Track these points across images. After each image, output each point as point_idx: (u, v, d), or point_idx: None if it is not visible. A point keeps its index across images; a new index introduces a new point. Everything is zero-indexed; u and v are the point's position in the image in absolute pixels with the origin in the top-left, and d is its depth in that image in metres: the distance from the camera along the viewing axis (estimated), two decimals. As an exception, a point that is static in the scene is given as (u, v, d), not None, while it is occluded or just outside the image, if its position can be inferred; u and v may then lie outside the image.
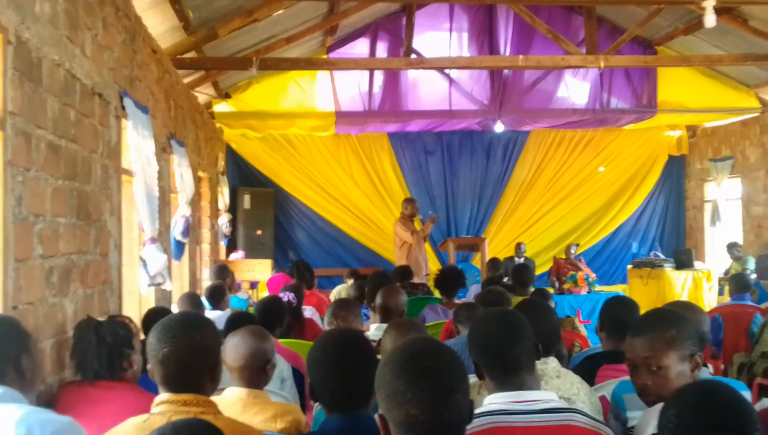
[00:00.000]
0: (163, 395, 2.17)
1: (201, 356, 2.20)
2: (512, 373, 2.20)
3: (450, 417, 1.53)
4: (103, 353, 2.88)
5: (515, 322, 2.28)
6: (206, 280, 7.68)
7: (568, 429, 2.07)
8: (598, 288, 9.48)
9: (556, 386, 2.67)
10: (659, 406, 2.27)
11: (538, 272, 10.93)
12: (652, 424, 2.25)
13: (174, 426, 1.50)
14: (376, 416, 1.58)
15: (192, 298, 5.22)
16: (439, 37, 10.37)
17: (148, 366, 2.23)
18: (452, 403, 1.53)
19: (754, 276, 8.01)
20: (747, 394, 2.93)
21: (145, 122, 4.73)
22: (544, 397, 2.16)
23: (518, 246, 10.66)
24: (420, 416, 1.49)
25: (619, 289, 10.37)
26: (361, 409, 1.96)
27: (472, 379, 3.00)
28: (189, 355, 2.16)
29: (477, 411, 2.16)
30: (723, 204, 11.12)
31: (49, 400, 2.96)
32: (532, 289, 5.78)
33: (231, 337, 2.81)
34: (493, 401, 2.15)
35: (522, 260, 10.49)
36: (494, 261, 9.16)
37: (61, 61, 3.37)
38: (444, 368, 1.56)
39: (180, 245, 6.08)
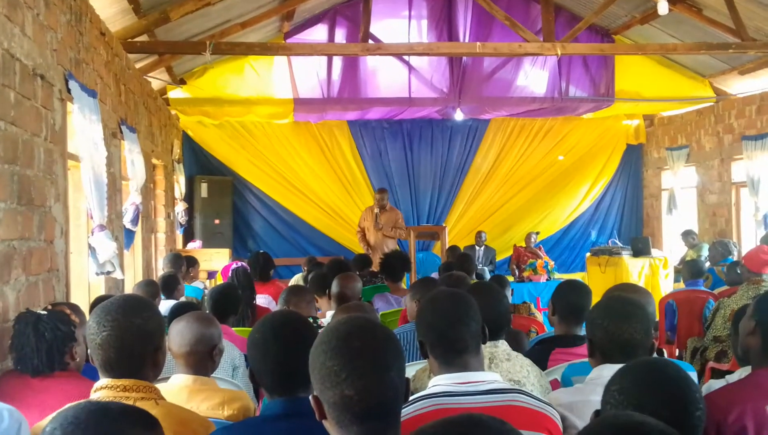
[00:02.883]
0: (103, 380, 2.12)
1: (142, 340, 2.14)
2: (456, 354, 2.19)
3: (385, 396, 1.50)
4: (42, 350, 2.78)
5: (463, 303, 2.27)
6: (161, 270, 7.55)
7: (512, 409, 2.06)
8: (557, 276, 9.58)
9: (506, 369, 2.67)
10: (595, 382, 2.30)
11: (498, 259, 11.03)
12: (593, 400, 2.27)
13: (87, 409, 1.43)
14: (310, 397, 1.54)
15: (149, 286, 5.12)
16: (398, 24, 10.33)
17: (89, 350, 2.16)
18: (387, 381, 1.50)
19: (707, 264, 8.13)
20: (693, 375, 2.96)
21: (92, 106, 4.60)
22: (488, 378, 2.15)
23: (479, 234, 10.69)
24: (355, 396, 1.47)
25: (578, 276, 10.47)
26: (301, 392, 1.92)
27: (422, 363, 3.00)
28: (129, 339, 2.11)
29: (421, 393, 2.14)
30: (679, 192, 11.30)
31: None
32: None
33: (175, 323, 2.75)
34: (437, 383, 2.13)
35: (482, 248, 10.54)
36: (453, 248, 9.17)
37: (-2, 40, 3.25)
38: (378, 347, 1.53)
39: (130, 233, 5.96)
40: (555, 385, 2.94)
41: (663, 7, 6.36)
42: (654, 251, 10.03)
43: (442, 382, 2.13)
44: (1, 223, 3.25)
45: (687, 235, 9.88)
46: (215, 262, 8.61)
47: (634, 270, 9.71)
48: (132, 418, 1.49)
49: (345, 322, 1.59)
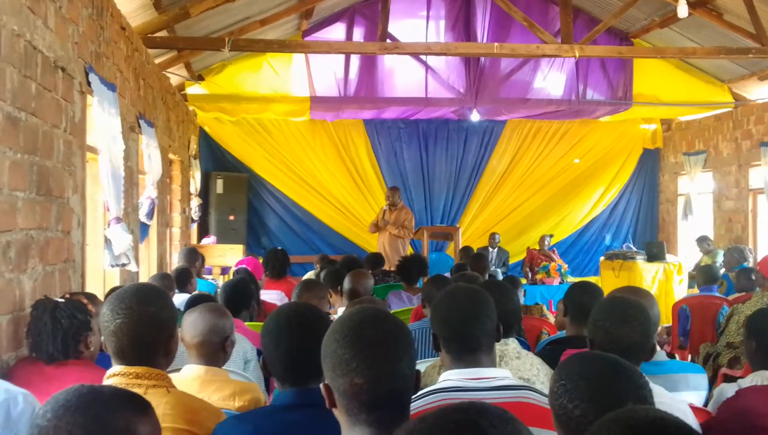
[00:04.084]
0: (115, 367, 2.15)
1: (155, 329, 2.17)
2: (470, 351, 2.19)
3: (394, 385, 1.52)
4: (58, 337, 2.82)
5: (480, 301, 2.26)
6: (175, 263, 7.60)
7: (521, 406, 2.07)
8: (570, 279, 9.54)
9: (516, 367, 2.68)
10: None
11: (511, 262, 11.02)
12: None
13: (79, 392, 1.44)
14: (321, 385, 1.55)
15: (164, 280, 5.16)
16: (416, 24, 10.33)
17: (102, 338, 2.19)
18: (397, 371, 1.52)
19: (722, 270, 8.07)
20: (703, 377, 2.96)
21: (111, 99, 4.64)
22: (498, 374, 2.16)
23: (492, 236, 10.68)
24: (364, 385, 1.48)
25: (591, 280, 10.40)
26: (313, 382, 1.94)
27: (433, 360, 3.01)
28: (142, 327, 2.13)
29: (432, 387, 2.15)
30: (695, 198, 11.22)
31: (4, 376, 2.90)
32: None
33: (189, 314, 2.78)
34: (447, 377, 2.14)
35: (496, 250, 10.53)
36: (466, 249, 9.16)
37: (21, 32, 3.29)
38: (389, 337, 1.54)
39: (144, 227, 6.01)
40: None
41: (683, 10, 6.33)
42: (669, 256, 9.97)
43: (452, 377, 2.14)
44: (19, 213, 3.29)
45: (702, 241, 9.81)
46: (229, 257, 8.64)
47: (648, 275, 9.65)
48: (124, 401, 1.49)
49: (358, 311, 1.61)
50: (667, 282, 9.64)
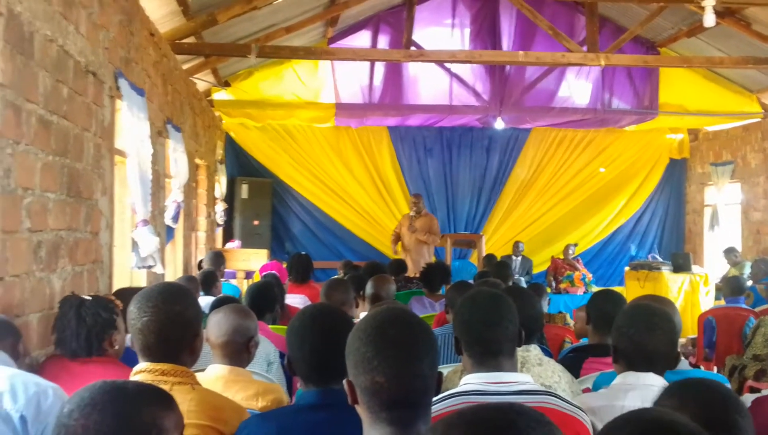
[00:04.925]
0: (142, 364, 2.19)
1: (180, 327, 2.20)
2: (491, 355, 2.19)
3: (415, 385, 1.53)
4: (82, 334, 2.85)
5: (503, 306, 2.26)
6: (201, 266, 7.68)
7: (543, 411, 2.05)
8: (594, 289, 9.46)
9: (538, 374, 2.67)
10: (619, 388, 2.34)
11: (535, 271, 10.97)
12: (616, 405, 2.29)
13: (103, 389, 1.43)
14: (344, 382, 1.58)
15: (190, 282, 5.22)
16: (440, 31, 10.35)
17: (129, 335, 2.23)
18: (418, 371, 1.53)
19: (750, 282, 7.98)
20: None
21: (140, 104, 4.73)
22: (520, 379, 2.16)
23: (516, 244, 10.65)
24: (385, 383, 1.50)
25: (615, 289, 10.32)
26: (336, 383, 1.96)
27: (454, 365, 3.02)
28: (168, 325, 2.17)
29: (453, 390, 2.16)
30: (722, 209, 11.10)
31: (35, 373, 2.95)
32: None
33: (214, 314, 2.82)
34: (468, 381, 2.15)
35: (520, 259, 10.49)
36: (490, 257, 9.15)
37: (54, 37, 3.37)
38: (412, 337, 1.56)
39: (169, 230, 6.10)
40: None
41: (709, 19, 6.28)
42: (695, 268, 9.87)
43: (473, 380, 2.14)
44: (50, 213, 3.36)
45: (730, 252, 9.70)
46: (253, 262, 8.71)
47: (674, 286, 9.55)
48: (148, 396, 1.49)
49: (383, 311, 1.63)
50: (693, 293, 9.53)
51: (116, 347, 2.98)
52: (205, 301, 5.06)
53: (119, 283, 4.85)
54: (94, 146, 4.04)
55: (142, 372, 2.15)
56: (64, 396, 2.30)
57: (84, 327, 2.86)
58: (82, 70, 3.81)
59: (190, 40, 6.96)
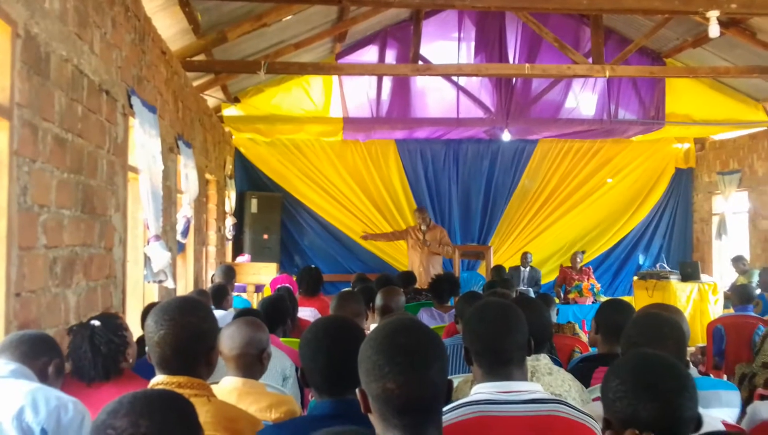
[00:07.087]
0: (159, 377, 2.22)
1: (196, 339, 2.24)
2: (502, 364, 2.21)
3: (424, 392, 1.58)
4: (99, 363, 2.85)
5: (512, 315, 2.28)
6: (210, 281, 7.74)
7: (553, 419, 2.08)
8: (603, 299, 9.47)
9: (548, 383, 2.70)
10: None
11: (543, 282, 10.97)
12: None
13: (134, 396, 1.51)
14: (357, 390, 1.62)
15: (201, 296, 5.26)
16: (447, 45, 10.44)
17: (147, 348, 2.27)
18: (427, 379, 1.58)
19: (758, 290, 7.97)
20: (735, 394, 2.95)
21: (152, 121, 4.80)
22: (530, 388, 2.18)
23: (524, 255, 10.66)
24: (396, 389, 1.55)
25: (624, 299, 10.31)
26: (349, 393, 1.99)
27: (464, 375, 3.05)
28: (184, 337, 2.20)
29: (464, 400, 2.19)
30: (730, 217, 11.10)
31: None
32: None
33: (227, 328, 2.86)
34: (479, 390, 2.17)
35: (528, 269, 10.51)
36: (498, 268, 9.17)
37: (69, 57, 3.45)
38: (421, 345, 1.61)
39: (179, 245, 6.15)
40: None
41: (714, 30, 6.32)
42: (703, 276, 9.87)
43: (484, 389, 2.17)
44: (65, 230, 3.42)
45: (738, 260, 9.69)
46: (263, 275, 8.77)
47: (683, 295, 9.56)
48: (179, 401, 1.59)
49: (393, 320, 1.69)
50: (701, 302, 9.53)
51: (130, 360, 3.02)
52: (216, 314, 5.11)
53: (132, 298, 4.92)
54: (107, 163, 4.11)
55: (159, 385, 2.19)
56: (84, 410, 2.34)
57: (100, 356, 2.85)
58: (96, 88, 3.89)
59: (201, 57, 7.05)
